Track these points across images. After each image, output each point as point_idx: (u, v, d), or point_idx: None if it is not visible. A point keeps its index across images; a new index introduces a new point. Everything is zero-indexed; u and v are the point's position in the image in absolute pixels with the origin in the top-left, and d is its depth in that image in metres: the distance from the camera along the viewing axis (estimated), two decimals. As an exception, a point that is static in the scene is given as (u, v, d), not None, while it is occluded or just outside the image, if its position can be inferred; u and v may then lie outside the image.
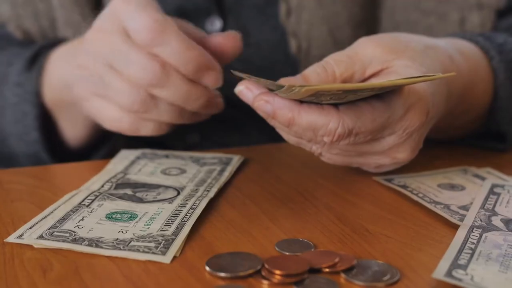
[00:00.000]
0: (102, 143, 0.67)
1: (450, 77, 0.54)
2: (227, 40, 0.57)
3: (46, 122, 0.66)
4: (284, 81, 0.50)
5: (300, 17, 0.70)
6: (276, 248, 0.44)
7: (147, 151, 0.60)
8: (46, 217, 0.47)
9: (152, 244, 0.43)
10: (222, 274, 0.40)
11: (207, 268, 0.41)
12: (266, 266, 0.41)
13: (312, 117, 0.47)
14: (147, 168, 0.57)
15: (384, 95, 0.48)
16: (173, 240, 0.44)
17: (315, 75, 0.50)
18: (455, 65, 0.56)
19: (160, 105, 0.53)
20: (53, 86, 0.65)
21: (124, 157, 0.59)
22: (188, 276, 0.40)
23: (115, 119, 0.54)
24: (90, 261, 0.42)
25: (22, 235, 0.44)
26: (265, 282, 0.40)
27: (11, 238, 0.44)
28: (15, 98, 0.67)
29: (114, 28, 0.53)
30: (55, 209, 0.48)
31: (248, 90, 0.49)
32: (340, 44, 0.70)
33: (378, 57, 0.51)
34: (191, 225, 0.46)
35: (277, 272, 0.40)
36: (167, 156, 0.60)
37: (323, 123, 0.47)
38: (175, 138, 0.67)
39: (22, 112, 0.66)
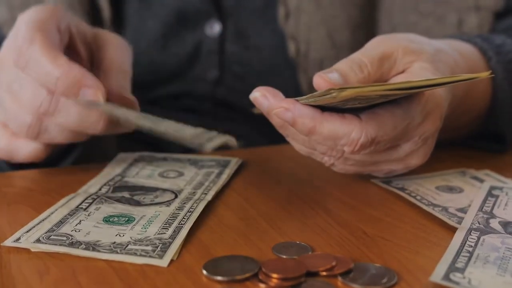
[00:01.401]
0: (69, 151, 0.64)
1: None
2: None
3: None
4: (320, 81, 0.47)
5: (299, 20, 0.70)
6: (273, 252, 0.44)
7: (145, 154, 0.60)
8: (43, 220, 0.47)
9: (149, 248, 0.43)
10: (219, 278, 0.40)
11: (204, 272, 0.41)
12: (263, 269, 0.41)
13: (334, 126, 0.46)
14: (145, 171, 0.57)
15: (403, 101, 0.47)
16: (170, 243, 0.44)
17: (353, 74, 0.48)
18: (459, 67, 0.56)
19: (51, 129, 0.52)
20: None
21: (122, 160, 0.59)
22: (185, 280, 0.40)
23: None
24: (87, 265, 0.42)
25: (19, 238, 0.44)
26: (262, 285, 0.40)
27: (8, 242, 0.44)
28: None
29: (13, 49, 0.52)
30: (52, 213, 0.48)
31: (264, 98, 0.47)
32: (338, 46, 0.70)
33: (400, 58, 0.50)
34: (189, 228, 0.46)
35: (274, 275, 0.40)
36: (165, 159, 0.59)
37: (345, 133, 0.46)
38: (174, 142, 0.66)
39: None
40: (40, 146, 0.53)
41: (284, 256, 0.43)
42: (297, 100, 0.46)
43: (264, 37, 0.73)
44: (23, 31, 0.51)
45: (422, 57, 0.51)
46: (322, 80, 0.47)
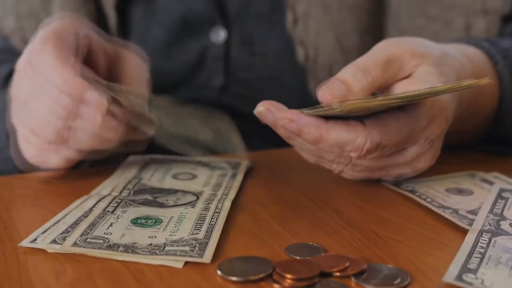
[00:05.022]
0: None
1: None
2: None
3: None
4: (324, 94, 0.48)
5: (307, 25, 0.70)
6: (286, 252, 0.44)
7: (156, 156, 0.61)
8: (58, 222, 0.47)
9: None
10: (234, 278, 0.41)
11: (219, 272, 0.41)
12: (277, 270, 0.41)
13: (340, 133, 0.47)
14: (158, 173, 0.57)
15: (407, 106, 0.48)
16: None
17: (357, 82, 0.49)
18: (466, 71, 0.56)
19: (79, 134, 0.53)
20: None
21: (132, 162, 0.59)
22: (200, 280, 0.41)
23: (28, 148, 0.55)
24: (103, 266, 0.42)
25: (35, 239, 0.45)
26: (276, 286, 0.40)
27: (25, 243, 0.44)
28: None
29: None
30: (67, 214, 0.48)
31: (268, 111, 0.47)
32: (347, 51, 0.70)
33: (407, 62, 0.51)
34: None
35: (288, 276, 0.40)
36: (176, 161, 0.60)
37: (350, 139, 0.47)
38: (179, 153, 0.67)
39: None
40: (70, 154, 0.54)
41: (297, 257, 0.44)
42: (301, 112, 0.47)
43: (269, 43, 0.73)
44: (39, 35, 0.53)
45: (428, 60, 0.51)
46: (326, 93, 0.48)
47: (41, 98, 0.52)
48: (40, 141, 0.54)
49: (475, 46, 0.63)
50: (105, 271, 0.42)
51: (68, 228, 0.46)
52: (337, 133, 0.47)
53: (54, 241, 0.44)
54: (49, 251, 0.44)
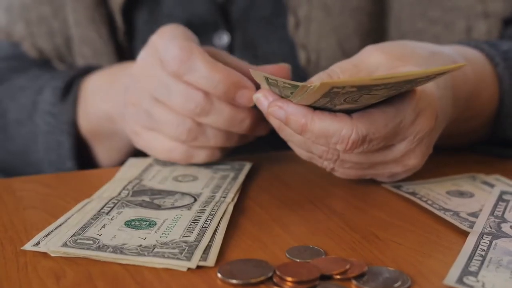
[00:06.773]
0: None
1: (457, 81, 0.54)
2: (277, 72, 0.57)
3: (80, 150, 0.68)
4: None
5: (309, 29, 0.70)
6: (287, 255, 0.44)
7: None
8: (60, 225, 0.47)
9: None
10: (234, 281, 0.41)
11: (219, 275, 0.41)
12: (278, 273, 0.41)
13: (325, 123, 0.47)
14: (160, 174, 0.57)
15: (395, 100, 0.48)
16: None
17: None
18: (461, 70, 0.56)
19: (207, 131, 0.55)
20: (91, 118, 0.67)
21: (133, 165, 0.59)
22: (201, 283, 0.41)
23: (167, 149, 0.56)
24: (103, 269, 0.42)
25: (38, 243, 0.45)
26: (276, 289, 0.40)
27: (28, 246, 0.44)
28: (47, 126, 0.68)
29: (154, 62, 0.55)
30: (69, 218, 0.48)
31: (264, 98, 0.50)
32: (349, 55, 0.70)
33: (384, 64, 0.51)
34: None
35: (289, 279, 0.40)
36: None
37: (336, 130, 0.47)
38: None
39: (56, 142, 0.67)
40: (215, 151, 0.57)
41: (298, 260, 0.44)
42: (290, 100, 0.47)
43: (272, 46, 0.73)
44: (176, 43, 0.54)
45: (411, 61, 0.51)
46: None
47: (167, 100, 0.54)
48: (172, 141, 0.56)
49: (475, 48, 0.63)
50: (105, 274, 0.42)
51: (79, 231, 0.46)
52: (323, 122, 0.47)
53: (65, 245, 0.44)
54: (53, 255, 0.43)
